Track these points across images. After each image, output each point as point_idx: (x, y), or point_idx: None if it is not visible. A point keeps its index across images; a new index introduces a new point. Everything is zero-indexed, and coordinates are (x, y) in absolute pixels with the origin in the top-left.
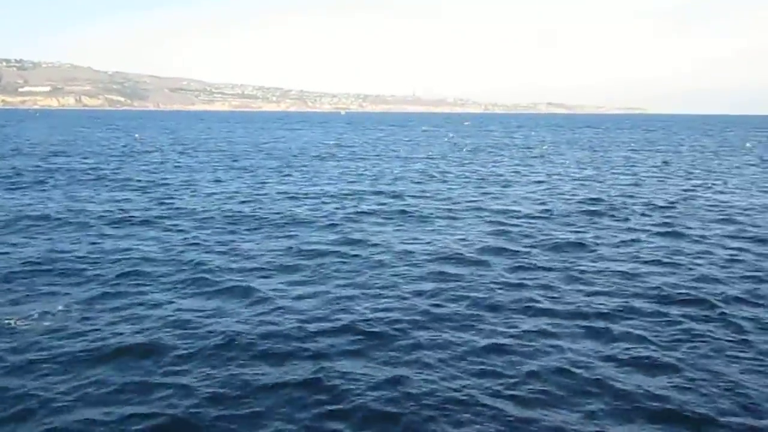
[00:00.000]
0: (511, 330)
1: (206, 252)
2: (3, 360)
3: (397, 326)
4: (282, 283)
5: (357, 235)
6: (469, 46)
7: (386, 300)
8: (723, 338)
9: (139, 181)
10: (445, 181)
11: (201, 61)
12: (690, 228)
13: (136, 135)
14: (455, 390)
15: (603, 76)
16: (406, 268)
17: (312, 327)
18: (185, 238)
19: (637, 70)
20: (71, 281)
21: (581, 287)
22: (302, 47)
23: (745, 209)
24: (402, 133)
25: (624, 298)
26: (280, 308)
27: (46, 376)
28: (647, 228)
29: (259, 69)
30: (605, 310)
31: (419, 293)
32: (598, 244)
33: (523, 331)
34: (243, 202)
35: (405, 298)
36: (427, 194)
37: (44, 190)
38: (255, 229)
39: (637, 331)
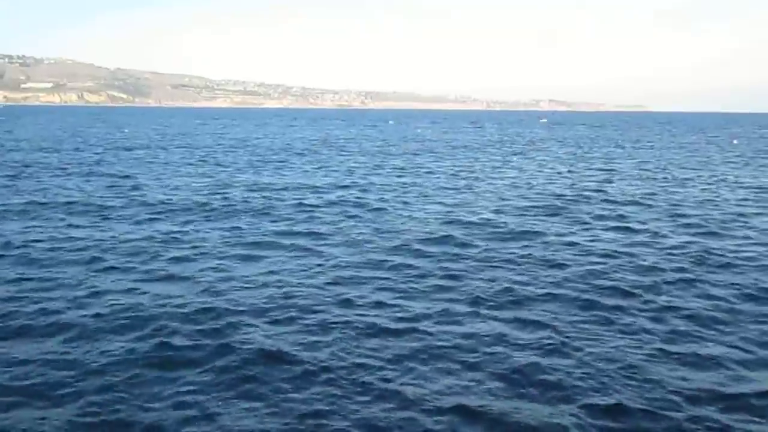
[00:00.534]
0: (419, 310)
1: (154, 240)
2: None
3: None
4: (215, 266)
5: (306, 227)
6: (471, 43)
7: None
8: (636, 326)
9: (112, 174)
10: (419, 176)
11: (203, 57)
12: (642, 223)
13: (126, 130)
14: (357, 366)
15: (604, 73)
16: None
17: (241, 304)
18: (142, 228)
19: (640, 68)
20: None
21: (509, 275)
22: (304, 44)
23: (701, 202)
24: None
25: (545, 287)
26: (210, 290)
27: None
28: (596, 221)
29: (261, 65)
30: (516, 297)
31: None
32: (539, 234)
33: (434, 313)
34: (208, 194)
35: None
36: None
37: (13, 183)
38: (208, 219)
39: (546, 317)
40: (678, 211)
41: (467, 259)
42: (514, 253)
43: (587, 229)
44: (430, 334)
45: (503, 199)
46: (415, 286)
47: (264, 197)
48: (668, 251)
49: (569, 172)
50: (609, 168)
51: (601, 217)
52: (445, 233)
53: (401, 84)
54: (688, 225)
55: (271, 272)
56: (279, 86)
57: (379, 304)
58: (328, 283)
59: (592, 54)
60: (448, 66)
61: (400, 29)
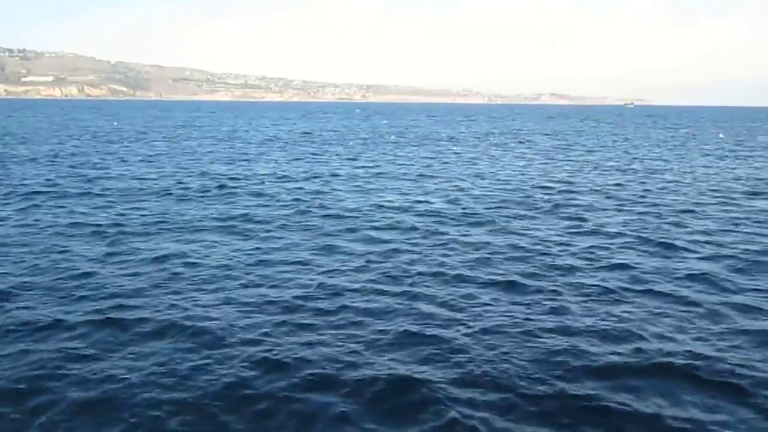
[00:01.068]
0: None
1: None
2: None
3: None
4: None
5: (253, 213)
6: (473, 37)
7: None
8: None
9: (84, 163)
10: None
11: (204, 51)
12: (586, 219)
13: (115, 123)
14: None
15: (607, 66)
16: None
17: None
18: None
19: (643, 61)
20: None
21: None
22: (306, 37)
23: (661, 190)
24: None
25: (462, 268)
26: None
27: None
28: (545, 216)
29: (262, 59)
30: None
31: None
32: (485, 222)
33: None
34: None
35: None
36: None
37: None
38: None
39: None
40: (634, 201)
41: (410, 243)
42: (452, 239)
43: (534, 217)
44: (347, 307)
45: (461, 189)
46: (347, 266)
47: (229, 186)
48: (607, 238)
49: (543, 164)
50: (584, 159)
51: (556, 206)
52: (396, 220)
53: (403, 77)
54: (642, 213)
55: (207, 254)
56: (280, 80)
57: (307, 286)
58: (261, 262)
59: (594, 48)
60: (449, 59)
61: (402, 23)
